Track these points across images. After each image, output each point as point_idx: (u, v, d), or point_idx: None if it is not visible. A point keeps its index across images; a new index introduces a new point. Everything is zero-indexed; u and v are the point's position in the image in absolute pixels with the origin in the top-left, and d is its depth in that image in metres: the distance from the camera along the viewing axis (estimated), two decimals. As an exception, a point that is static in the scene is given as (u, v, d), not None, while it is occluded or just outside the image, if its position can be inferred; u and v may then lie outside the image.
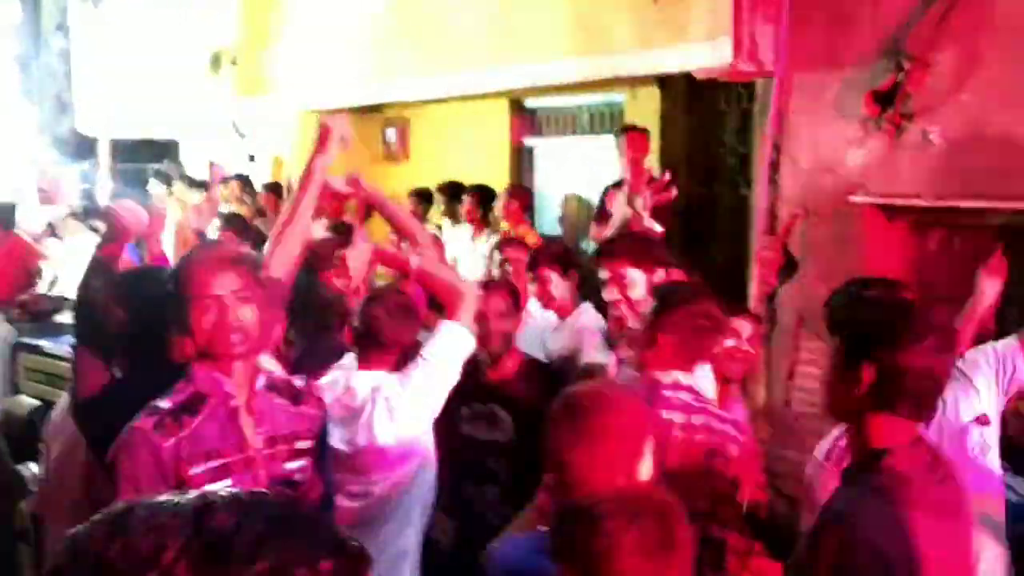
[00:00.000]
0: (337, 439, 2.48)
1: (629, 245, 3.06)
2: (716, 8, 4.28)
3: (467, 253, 6.01)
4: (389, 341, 2.64)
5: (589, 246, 5.66)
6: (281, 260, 2.40)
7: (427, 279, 2.79)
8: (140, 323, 2.30)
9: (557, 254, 3.46)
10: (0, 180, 8.91)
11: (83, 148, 11.85)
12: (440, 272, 2.88)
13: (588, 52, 4.95)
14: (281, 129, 8.82)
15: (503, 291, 3.13)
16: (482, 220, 6.18)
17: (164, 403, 1.99)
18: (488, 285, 3.20)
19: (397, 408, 2.55)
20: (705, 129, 5.95)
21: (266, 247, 2.56)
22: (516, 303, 3.16)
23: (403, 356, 2.66)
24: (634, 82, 5.76)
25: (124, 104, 9.53)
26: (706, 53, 4.34)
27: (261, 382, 2.10)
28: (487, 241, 5.76)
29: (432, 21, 5.92)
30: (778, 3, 4.15)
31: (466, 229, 6.30)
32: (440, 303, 2.78)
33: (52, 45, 13.56)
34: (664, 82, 5.75)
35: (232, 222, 5.40)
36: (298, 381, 2.24)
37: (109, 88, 9.73)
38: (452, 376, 2.60)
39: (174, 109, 9.01)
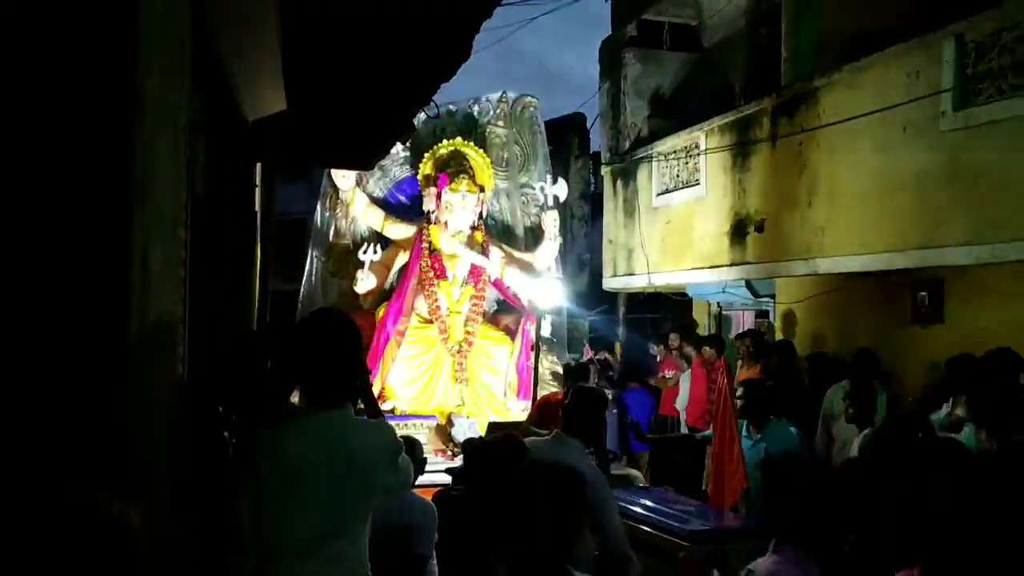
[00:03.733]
0: None
1: None
2: None
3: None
4: None
5: None
6: None
7: None
8: None
9: None
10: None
11: (598, 300, 13.27)
12: None
13: None
14: (795, 289, 9.05)
15: None
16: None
17: None
18: None
19: None
20: None
21: None
22: None
23: None
24: None
25: (646, 264, 10.54)
26: None
27: None
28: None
29: (988, 182, 5.77)
30: None
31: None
32: None
33: (576, 211, 15.60)
34: None
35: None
36: None
37: (633, 251, 10.85)
38: None
39: (690, 270, 9.74)
